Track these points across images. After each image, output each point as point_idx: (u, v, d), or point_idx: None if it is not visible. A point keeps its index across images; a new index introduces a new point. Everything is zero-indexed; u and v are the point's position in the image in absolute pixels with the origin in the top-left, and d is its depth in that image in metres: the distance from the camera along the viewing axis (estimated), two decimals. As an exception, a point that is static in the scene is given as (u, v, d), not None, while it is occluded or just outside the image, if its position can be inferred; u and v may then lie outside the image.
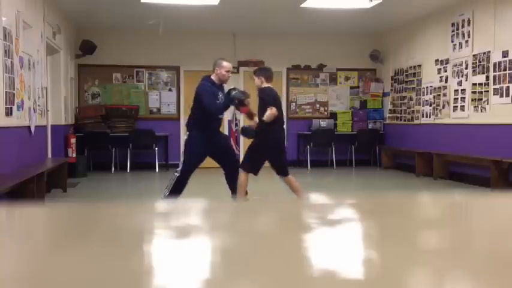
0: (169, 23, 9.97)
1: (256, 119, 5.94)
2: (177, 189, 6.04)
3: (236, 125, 11.72)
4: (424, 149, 9.81)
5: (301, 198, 5.88)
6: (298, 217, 0.76)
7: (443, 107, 9.48)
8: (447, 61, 9.34)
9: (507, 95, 7.75)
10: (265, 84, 5.90)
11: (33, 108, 7.21)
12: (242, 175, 6.07)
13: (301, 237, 0.62)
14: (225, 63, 5.79)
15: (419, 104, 10.38)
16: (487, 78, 8.20)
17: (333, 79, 12.05)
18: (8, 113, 5.93)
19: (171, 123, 11.47)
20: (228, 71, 5.83)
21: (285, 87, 11.89)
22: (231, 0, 8.69)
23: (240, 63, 11.64)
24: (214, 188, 9.01)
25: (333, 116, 11.83)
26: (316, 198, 0.87)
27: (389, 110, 11.68)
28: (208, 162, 12.63)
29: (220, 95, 5.88)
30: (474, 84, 8.56)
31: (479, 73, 8.41)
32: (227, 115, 11.75)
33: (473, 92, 8.57)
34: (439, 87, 9.62)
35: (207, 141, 5.98)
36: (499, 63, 7.93)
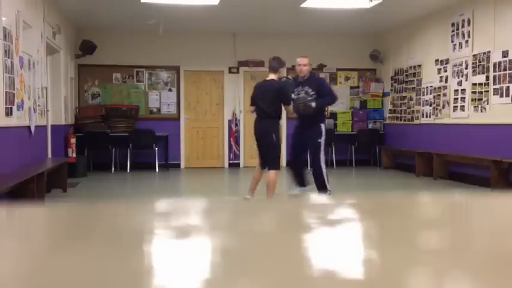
0: (169, 23, 9.97)
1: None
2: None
3: (236, 125, 11.73)
4: (424, 149, 9.81)
5: (268, 196, 5.99)
6: (298, 217, 0.76)
7: (443, 107, 9.48)
8: (447, 61, 9.34)
9: (507, 95, 7.76)
10: (269, 77, 6.37)
11: (33, 108, 7.21)
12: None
13: (301, 237, 0.62)
14: (297, 59, 6.75)
15: (419, 104, 10.38)
16: (487, 78, 8.20)
17: (333, 79, 12.04)
18: (8, 113, 5.93)
19: (171, 123, 11.47)
20: (299, 65, 6.66)
21: (285, 87, 11.89)
22: (231, 0, 8.69)
23: (240, 63, 11.65)
24: (214, 188, 9.01)
25: (333, 116, 11.83)
26: (316, 198, 0.87)
27: (389, 110, 11.68)
28: (208, 162, 12.56)
29: (299, 89, 6.58)
30: (474, 84, 8.56)
31: (479, 73, 8.41)
32: (227, 115, 11.78)
33: (473, 92, 8.57)
34: (439, 87, 9.62)
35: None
36: (499, 63, 7.93)
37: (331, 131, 11.52)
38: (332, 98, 6.57)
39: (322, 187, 6.26)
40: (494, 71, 8.03)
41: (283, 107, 6.19)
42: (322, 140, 6.36)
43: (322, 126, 6.41)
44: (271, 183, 6.05)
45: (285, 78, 6.48)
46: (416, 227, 0.69)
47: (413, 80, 10.58)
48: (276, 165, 6.11)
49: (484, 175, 8.08)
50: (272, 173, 6.08)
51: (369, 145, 11.64)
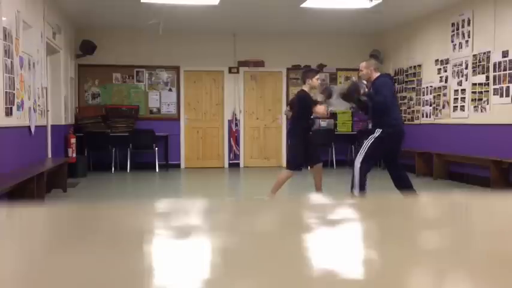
0: (169, 23, 9.97)
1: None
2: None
3: (236, 125, 11.73)
4: (424, 149, 9.81)
5: (271, 195, 6.25)
6: (298, 217, 0.76)
7: (443, 107, 9.48)
8: (447, 61, 9.34)
9: (507, 95, 7.76)
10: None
11: (33, 108, 7.21)
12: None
13: (301, 237, 0.62)
14: None
15: (419, 104, 10.38)
16: (487, 78, 8.20)
17: (333, 79, 12.05)
18: (8, 113, 5.93)
19: (171, 123, 11.47)
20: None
21: (285, 87, 11.90)
22: (231, 0, 8.69)
23: (240, 63, 11.65)
24: (214, 188, 9.01)
25: (333, 116, 11.83)
26: (316, 198, 0.87)
27: (390, 110, 11.67)
28: (208, 162, 12.55)
29: None
30: (474, 84, 8.56)
31: (479, 73, 8.41)
32: (227, 115, 11.78)
33: (473, 92, 8.57)
34: (439, 87, 9.62)
35: None
36: (499, 63, 7.93)
37: (331, 131, 11.54)
38: (377, 98, 5.81)
39: (352, 187, 6.02)
40: (494, 71, 8.03)
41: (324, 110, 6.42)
42: (369, 143, 5.83)
43: (379, 131, 5.81)
44: (277, 181, 6.38)
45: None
46: (416, 227, 0.69)
47: (413, 80, 10.58)
48: (287, 166, 6.53)
49: (484, 175, 8.08)
50: (283, 172, 6.49)
51: (369, 145, 11.62)
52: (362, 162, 5.87)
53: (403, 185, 6.06)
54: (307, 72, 6.62)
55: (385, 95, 5.78)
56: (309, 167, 6.66)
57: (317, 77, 6.48)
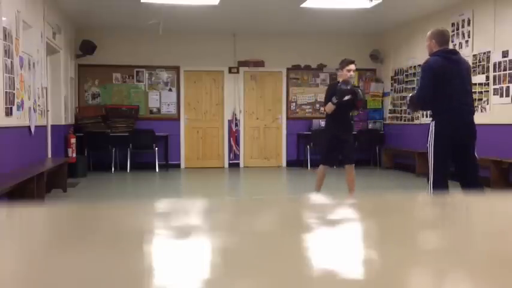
0: (169, 23, 9.97)
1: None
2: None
3: (236, 125, 11.73)
4: (424, 149, 9.80)
5: (316, 189, 6.15)
6: (298, 217, 0.76)
7: (443, 107, 9.48)
8: (447, 61, 9.33)
9: (507, 95, 7.76)
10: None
11: (33, 108, 7.21)
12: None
13: (301, 237, 0.62)
14: None
15: (419, 104, 10.38)
16: (487, 78, 8.20)
17: (333, 79, 12.04)
18: (8, 113, 5.93)
19: (171, 123, 11.47)
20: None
21: (285, 87, 11.90)
22: (231, 0, 8.69)
23: (240, 63, 11.65)
24: (214, 188, 9.01)
25: (333, 116, 11.83)
26: (316, 198, 0.87)
27: (390, 110, 11.67)
28: (208, 162, 12.57)
29: None
30: (474, 84, 8.54)
31: (479, 73, 8.41)
32: (227, 115, 11.78)
33: (473, 92, 8.56)
34: (439, 87, 9.61)
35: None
36: (499, 63, 7.93)
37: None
38: (416, 94, 4.97)
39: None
40: (494, 71, 8.03)
41: (330, 108, 6.03)
42: (430, 144, 4.86)
43: (432, 125, 4.86)
44: (317, 177, 6.22)
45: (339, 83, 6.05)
46: (416, 227, 0.69)
47: (413, 80, 10.57)
48: (320, 161, 6.33)
49: (484, 175, 8.07)
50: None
51: (369, 145, 11.64)
52: (434, 179, 4.78)
53: (469, 184, 4.87)
54: (342, 61, 6.16)
55: (423, 85, 4.78)
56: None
57: (348, 67, 6.01)
